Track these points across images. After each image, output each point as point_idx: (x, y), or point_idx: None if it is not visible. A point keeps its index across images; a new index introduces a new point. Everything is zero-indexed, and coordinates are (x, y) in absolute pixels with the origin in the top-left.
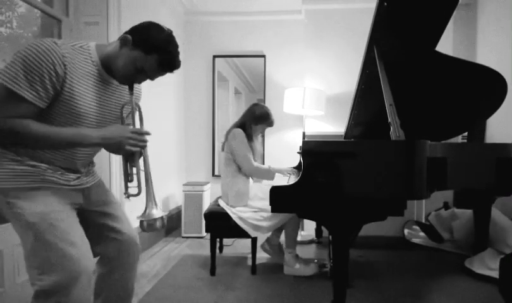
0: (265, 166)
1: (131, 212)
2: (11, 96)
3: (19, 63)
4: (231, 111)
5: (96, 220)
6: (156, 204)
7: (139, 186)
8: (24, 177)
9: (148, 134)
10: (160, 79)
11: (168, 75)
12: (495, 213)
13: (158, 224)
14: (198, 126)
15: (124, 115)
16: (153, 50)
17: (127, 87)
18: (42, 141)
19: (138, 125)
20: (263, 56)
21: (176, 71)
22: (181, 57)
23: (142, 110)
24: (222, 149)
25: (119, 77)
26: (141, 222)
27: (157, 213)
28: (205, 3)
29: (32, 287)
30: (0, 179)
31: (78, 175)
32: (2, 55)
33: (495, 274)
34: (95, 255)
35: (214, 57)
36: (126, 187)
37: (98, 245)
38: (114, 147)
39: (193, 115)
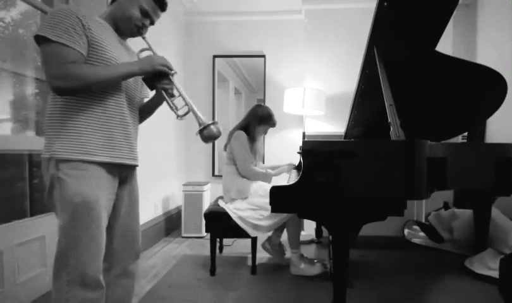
0: (263, 170)
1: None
2: (59, 48)
3: (52, 22)
4: (231, 111)
5: (114, 213)
6: (202, 115)
7: (186, 104)
8: (81, 148)
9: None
10: None
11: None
12: (495, 213)
13: (215, 129)
14: (198, 126)
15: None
16: None
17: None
18: (101, 77)
19: None
20: (263, 56)
21: (166, 9)
22: (181, 57)
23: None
24: (225, 150)
25: (126, 29)
26: (201, 132)
27: (207, 120)
28: (205, 3)
29: (56, 270)
30: (60, 149)
31: (130, 146)
32: (3, 56)
33: (495, 274)
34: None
35: (214, 57)
36: (175, 112)
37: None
38: (149, 68)
39: (193, 115)
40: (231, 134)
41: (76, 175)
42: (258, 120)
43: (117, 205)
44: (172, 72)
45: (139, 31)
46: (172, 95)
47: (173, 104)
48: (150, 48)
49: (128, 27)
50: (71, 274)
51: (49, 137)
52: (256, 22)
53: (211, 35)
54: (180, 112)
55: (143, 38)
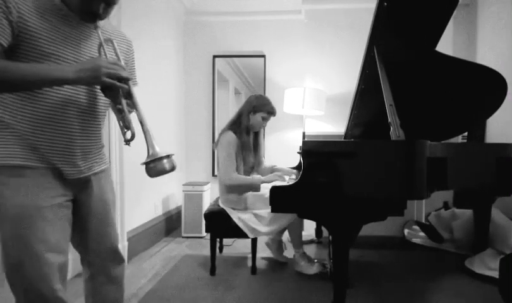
0: (249, 176)
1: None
2: None
3: None
4: (231, 111)
5: (84, 221)
6: (156, 145)
7: (128, 126)
8: (18, 153)
9: (124, 68)
10: (160, 79)
11: (168, 78)
12: (495, 213)
13: (167, 164)
14: (198, 126)
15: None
16: None
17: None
18: (20, 76)
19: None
20: (263, 56)
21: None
22: (181, 57)
23: (132, 86)
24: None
25: (77, 7)
26: (146, 165)
27: (161, 152)
28: (205, 3)
29: (12, 289)
30: None
31: (78, 167)
32: None
33: (495, 274)
34: (78, 252)
35: (214, 57)
36: (124, 135)
37: (78, 245)
38: (90, 78)
39: (193, 115)
40: (221, 133)
41: (12, 183)
42: (252, 109)
43: (85, 214)
44: (126, 87)
45: (90, 16)
46: (120, 111)
47: (124, 121)
48: (101, 44)
49: (77, 5)
50: (27, 294)
51: None
52: (256, 22)
53: (211, 35)
54: (128, 135)
55: (96, 28)
